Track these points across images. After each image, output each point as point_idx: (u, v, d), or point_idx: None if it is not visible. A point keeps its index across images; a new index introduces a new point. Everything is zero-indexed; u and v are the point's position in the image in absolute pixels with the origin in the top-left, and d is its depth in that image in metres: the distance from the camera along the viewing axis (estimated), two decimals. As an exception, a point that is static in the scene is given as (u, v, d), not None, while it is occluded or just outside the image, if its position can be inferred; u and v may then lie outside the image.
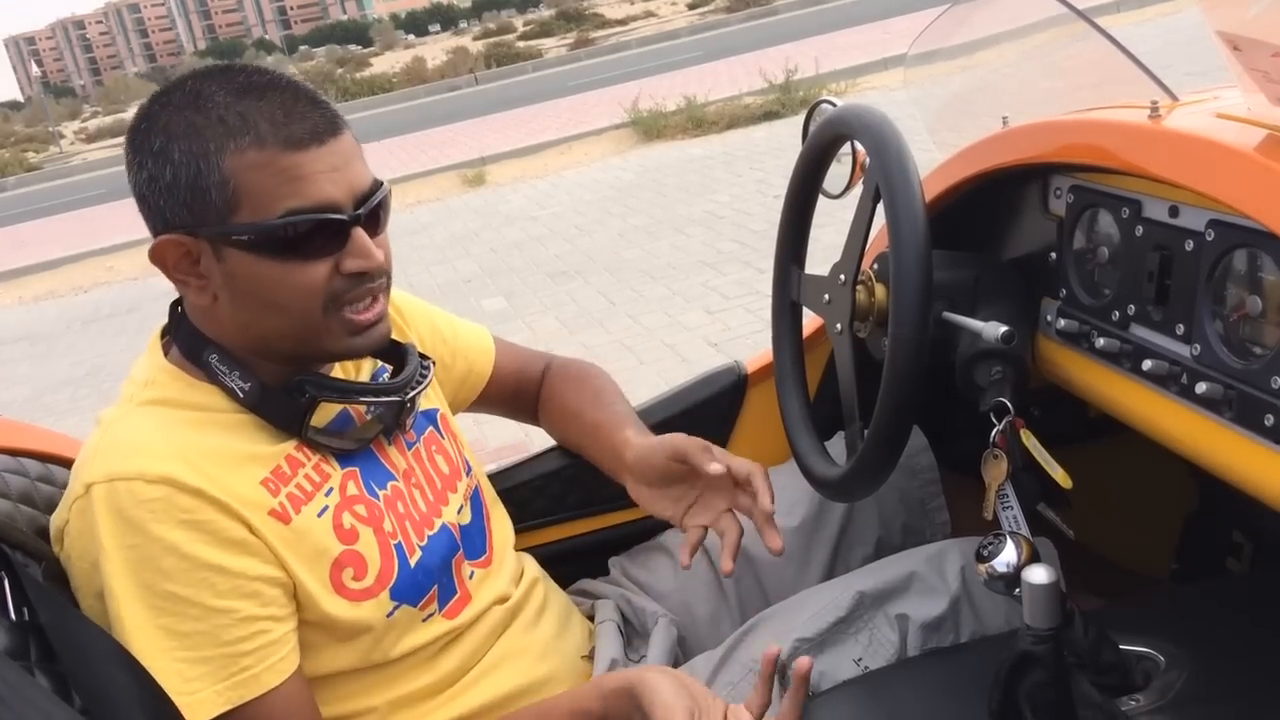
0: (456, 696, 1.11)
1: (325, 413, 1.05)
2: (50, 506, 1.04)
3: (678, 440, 1.18)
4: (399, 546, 1.07)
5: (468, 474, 1.22)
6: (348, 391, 1.06)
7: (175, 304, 1.07)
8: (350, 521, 1.04)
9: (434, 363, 1.15)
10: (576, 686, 1.10)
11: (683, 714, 0.93)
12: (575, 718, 1.02)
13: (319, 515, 1.02)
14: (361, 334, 1.02)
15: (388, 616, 1.05)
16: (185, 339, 1.04)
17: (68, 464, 1.14)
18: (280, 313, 0.98)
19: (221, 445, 0.99)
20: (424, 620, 1.09)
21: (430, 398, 1.21)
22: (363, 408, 1.07)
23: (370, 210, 0.99)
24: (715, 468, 1.13)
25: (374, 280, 1.01)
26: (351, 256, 0.98)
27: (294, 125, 0.94)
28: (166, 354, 1.06)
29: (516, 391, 1.40)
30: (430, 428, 1.19)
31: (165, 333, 1.08)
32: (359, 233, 0.98)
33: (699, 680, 1.01)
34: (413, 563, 1.07)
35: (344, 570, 1.02)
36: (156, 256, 0.99)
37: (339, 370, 1.12)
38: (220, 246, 0.96)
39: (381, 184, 1.02)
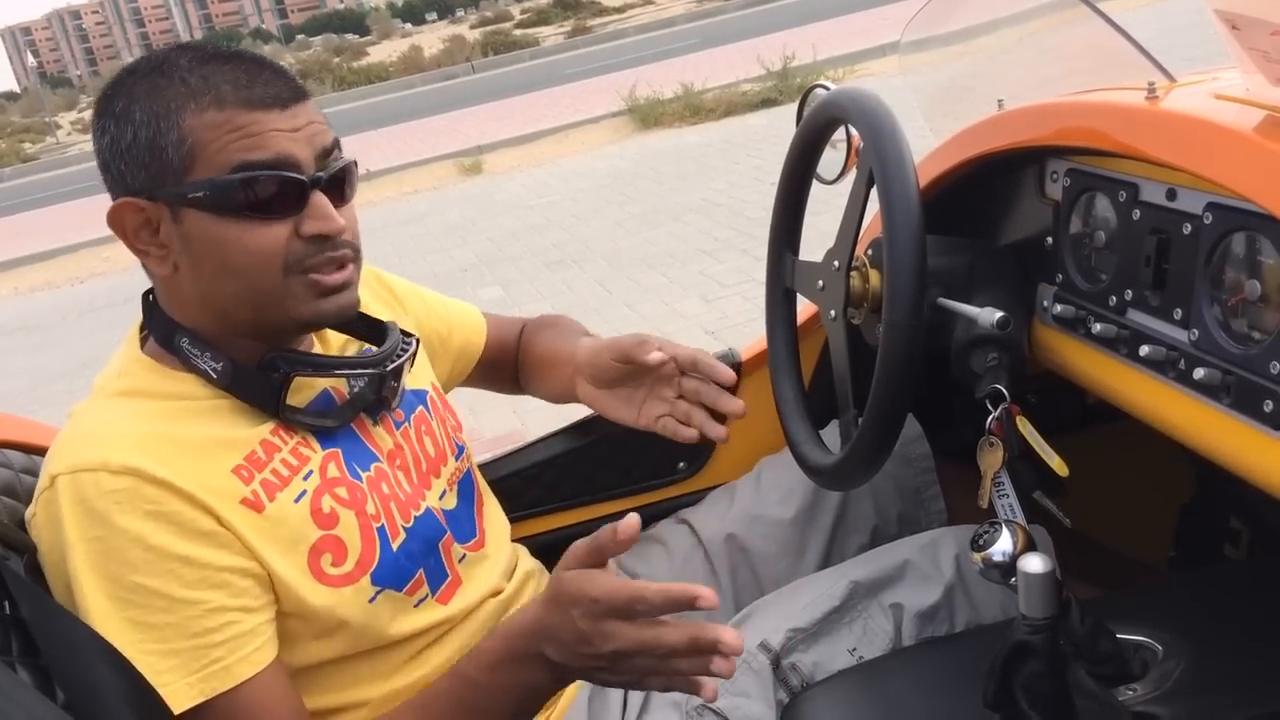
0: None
1: (306, 393, 1.04)
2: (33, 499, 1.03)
3: (619, 339, 1.25)
4: (381, 530, 1.04)
5: (456, 457, 1.19)
6: (322, 365, 1.04)
7: (147, 294, 1.06)
8: (330, 505, 1.02)
9: (417, 340, 1.13)
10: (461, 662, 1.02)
11: (589, 647, 0.89)
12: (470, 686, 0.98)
13: (295, 501, 1.00)
14: (328, 297, 0.99)
15: (369, 602, 1.03)
16: (158, 327, 1.03)
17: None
18: (236, 276, 0.96)
19: (192, 434, 0.97)
20: (415, 606, 1.07)
21: (420, 377, 1.20)
22: (344, 387, 1.06)
23: (333, 176, 0.98)
24: (656, 356, 1.21)
25: (337, 248, 0.98)
26: (311, 219, 0.96)
27: (256, 88, 0.94)
28: (143, 346, 1.05)
29: (502, 359, 1.40)
30: (420, 407, 1.18)
31: (144, 327, 1.06)
32: (319, 195, 0.96)
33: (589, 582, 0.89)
34: (395, 546, 1.05)
35: (322, 556, 1.00)
36: (115, 221, 0.97)
37: (319, 348, 1.11)
38: (178, 208, 0.95)
39: (344, 155, 1.01)
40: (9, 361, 6.55)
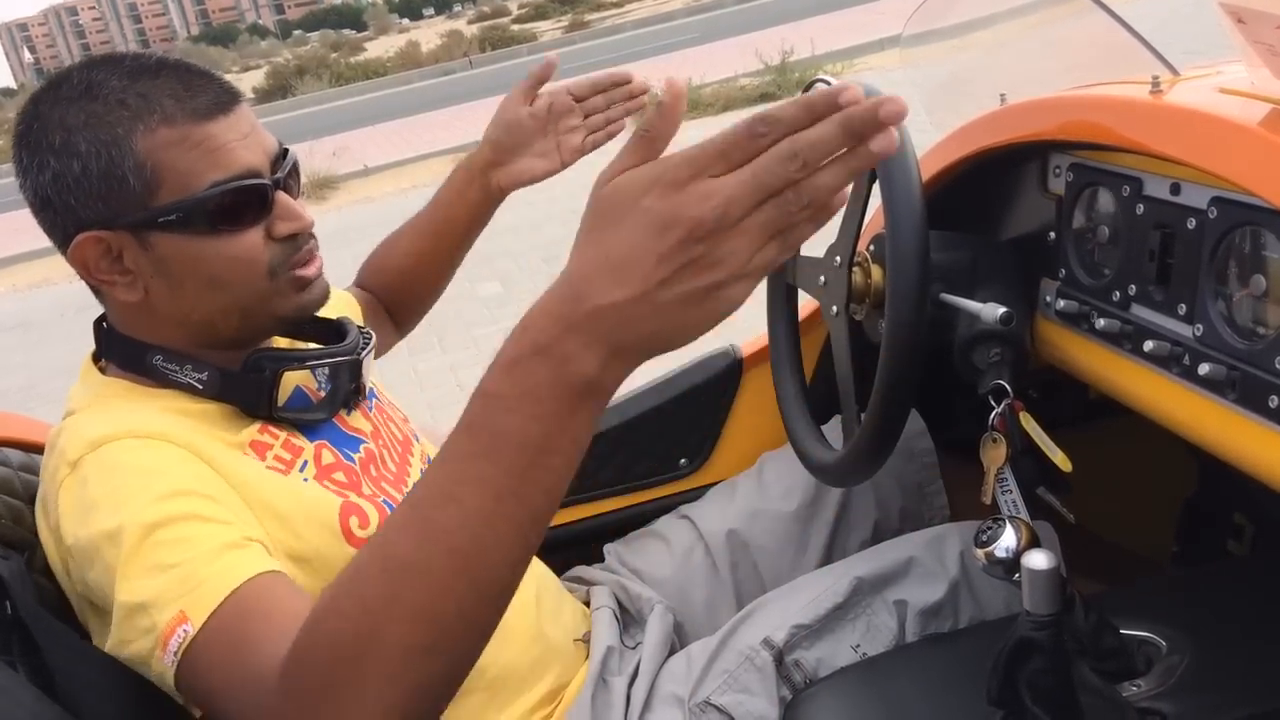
0: None
1: (283, 391, 1.03)
2: (33, 496, 1.02)
3: (517, 86, 1.32)
4: (386, 503, 1.05)
5: (417, 440, 1.20)
6: (304, 358, 1.04)
7: (98, 321, 1.03)
8: (334, 488, 1.01)
9: (373, 333, 1.14)
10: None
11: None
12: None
13: (304, 481, 1.00)
14: (308, 289, 1.02)
15: None
16: (120, 353, 1.00)
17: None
18: (223, 288, 0.96)
19: (197, 430, 0.95)
20: None
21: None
22: (313, 382, 1.06)
23: (286, 173, 0.99)
24: (569, 83, 1.27)
25: (308, 240, 1.01)
26: (280, 220, 0.97)
27: (197, 98, 0.93)
28: (105, 373, 1.02)
29: (375, 311, 1.39)
30: (374, 400, 1.18)
31: (96, 358, 1.04)
32: (282, 196, 0.98)
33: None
34: None
35: (350, 517, 0.99)
36: (77, 259, 0.95)
37: (283, 344, 1.10)
38: (145, 234, 0.93)
39: (288, 150, 1.01)
40: (7, 359, 6.54)
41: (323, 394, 1.06)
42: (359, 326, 1.13)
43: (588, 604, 1.29)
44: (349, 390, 1.07)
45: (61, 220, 0.94)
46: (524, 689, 1.11)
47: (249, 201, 0.95)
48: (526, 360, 0.61)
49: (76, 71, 0.94)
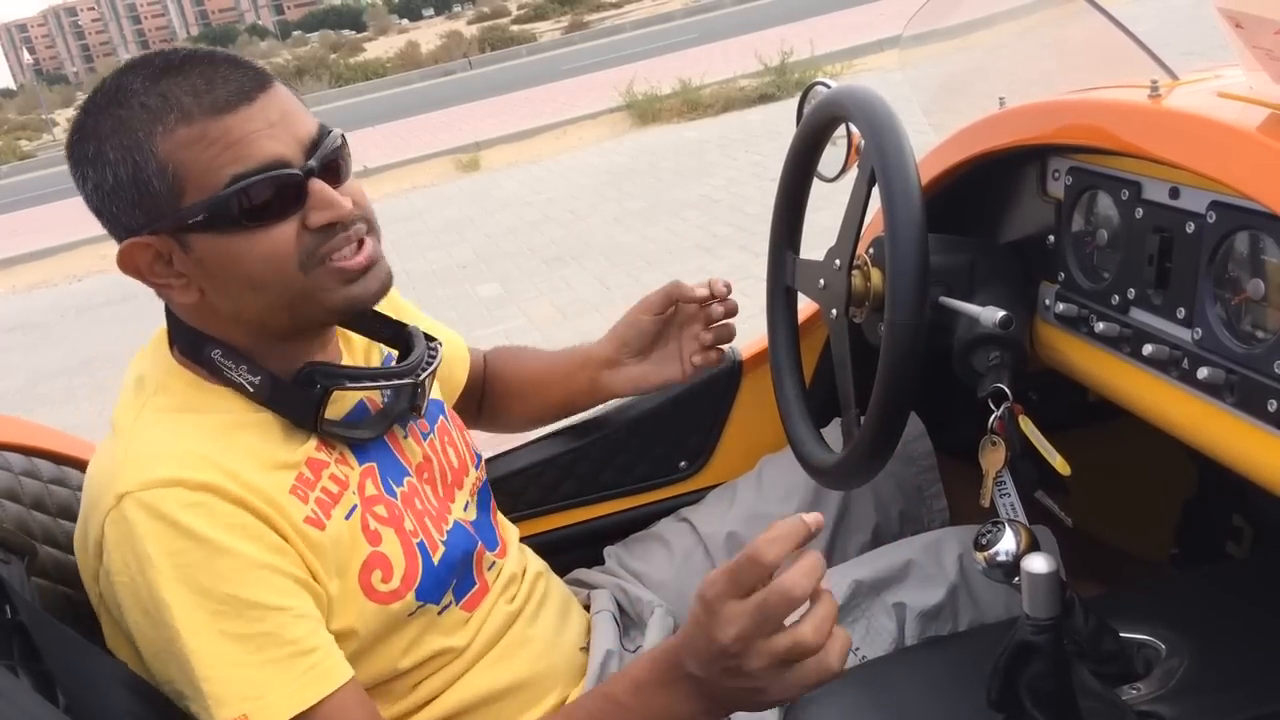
0: (455, 691, 1.08)
1: (340, 405, 1.02)
2: (36, 501, 1.02)
3: (649, 298, 1.30)
4: (421, 545, 1.03)
5: (476, 466, 1.19)
6: (358, 377, 1.02)
7: (169, 309, 1.02)
8: (374, 524, 1.00)
9: (441, 344, 1.12)
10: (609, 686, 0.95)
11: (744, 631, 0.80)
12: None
13: (347, 518, 0.98)
14: (357, 281, 0.96)
15: (409, 616, 1.02)
16: (184, 339, 0.99)
17: (51, 457, 1.12)
18: (259, 288, 0.93)
19: (249, 451, 0.94)
20: (440, 614, 1.06)
21: (435, 388, 1.18)
22: (378, 397, 1.05)
23: (324, 159, 0.93)
24: (701, 291, 1.28)
25: (349, 227, 0.95)
26: (315, 210, 0.92)
27: (217, 90, 0.88)
28: (172, 350, 1.01)
29: (471, 390, 1.37)
30: (441, 417, 1.17)
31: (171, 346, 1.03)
32: (317, 183, 0.92)
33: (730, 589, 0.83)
34: (436, 559, 1.04)
35: (373, 573, 0.98)
36: (127, 265, 0.94)
37: (347, 359, 1.09)
38: (183, 236, 0.92)
39: (331, 130, 0.96)
40: (7, 360, 6.54)
41: (382, 406, 1.05)
42: (428, 338, 1.10)
43: (588, 607, 1.29)
44: (404, 409, 1.05)
45: (112, 228, 0.95)
46: (538, 698, 1.12)
47: (275, 193, 0.90)
48: (649, 686, 0.88)
49: (113, 77, 0.93)
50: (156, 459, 0.90)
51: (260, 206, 0.90)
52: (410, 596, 1.01)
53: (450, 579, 1.06)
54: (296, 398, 0.97)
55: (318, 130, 0.95)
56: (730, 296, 1.30)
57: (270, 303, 0.94)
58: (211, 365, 0.97)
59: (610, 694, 0.91)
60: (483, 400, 1.40)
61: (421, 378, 1.04)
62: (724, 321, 1.30)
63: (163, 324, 1.03)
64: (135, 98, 0.89)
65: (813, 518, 0.81)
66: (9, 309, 8.25)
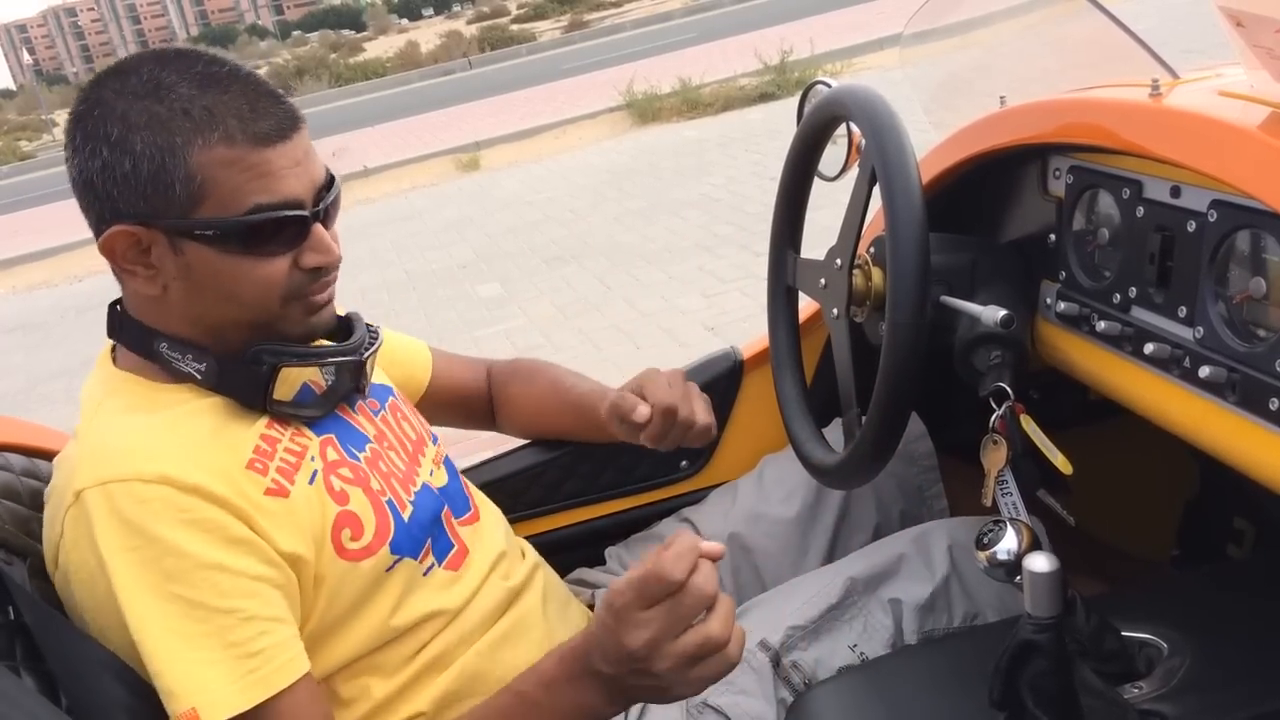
0: (460, 669, 1.09)
1: (287, 387, 1.04)
2: (35, 502, 1.02)
3: (619, 398, 1.23)
4: (390, 503, 1.06)
5: (434, 442, 1.21)
6: (305, 355, 1.04)
7: (113, 305, 1.05)
8: (339, 484, 1.03)
9: (380, 329, 1.15)
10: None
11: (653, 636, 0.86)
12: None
13: (310, 482, 1.01)
14: (317, 314, 1.03)
15: (387, 571, 1.04)
16: (132, 336, 1.03)
17: (52, 458, 1.12)
18: (238, 305, 0.98)
19: (203, 436, 0.97)
20: (424, 574, 1.08)
21: (382, 376, 1.21)
22: (320, 378, 1.06)
23: (328, 205, 1.00)
24: (642, 413, 1.20)
25: (329, 273, 1.02)
26: (311, 251, 0.99)
27: (261, 121, 0.94)
28: (115, 364, 1.05)
29: (462, 399, 1.41)
30: (390, 398, 1.19)
31: (112, 335, 1.06)
32: (319, 228, 0.99)
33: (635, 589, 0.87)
34: (406, 517, 1.07)
35: (342, 531, 1.01)
36: (106, 247, 0.97)
37: None
38: (178, 238, 0.95)
39: (335, 178, 1.02)
40: (7, 360, 6.54)
41: (326, 387, 1.06)
42: (367, 325, 1.13)
43: (591, 607, 1.29)
44: (349, 388, 1.08)
45: (99, 206, 0.96)
46: None
47: (285, 230, 0.96)
48: (559, 682, 0.93)
49: (147, 66, 0.95)
50: (112, 452, 0.94)
51: (268, 238, 0.96)
52: (385, 550, 1.03)
53: (424, 537, 1.09)
54: (244, 378, 1.01)
55: (326, 176, 1.01)
56: (652, 420, 1.21)
57: (238, 318, 0.99)
58: (160, 358, 1.00)
59: (520, 690, 0.96)
60: (493, 412, 1.44)
61: (364, 356, 1.08)
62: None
63: (103, 347, 1.07)
64: (178, 102, 0.93)
65: (710, 546, 0.87)
66: (9, 309, 8.25)
